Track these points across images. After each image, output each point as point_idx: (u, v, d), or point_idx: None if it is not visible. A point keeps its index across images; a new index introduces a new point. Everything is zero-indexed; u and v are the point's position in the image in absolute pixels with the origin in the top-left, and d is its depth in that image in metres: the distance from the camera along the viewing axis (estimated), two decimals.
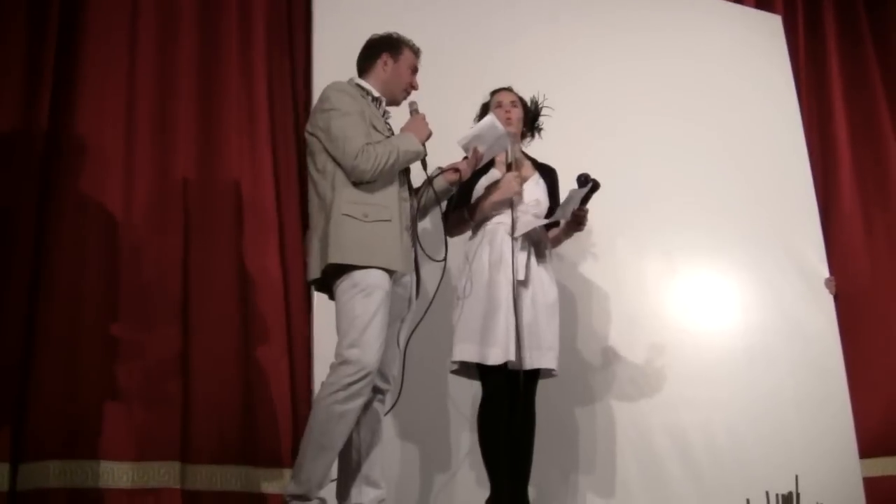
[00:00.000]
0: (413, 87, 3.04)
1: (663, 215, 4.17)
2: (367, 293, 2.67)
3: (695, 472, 3.82)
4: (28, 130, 3.28)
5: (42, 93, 3.34)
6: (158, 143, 3.55)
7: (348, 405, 2.61)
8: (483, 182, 3.21)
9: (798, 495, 2.78)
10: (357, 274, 2.68)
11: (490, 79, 3.46)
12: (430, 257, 2.93)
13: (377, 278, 2.69)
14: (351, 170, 2.75)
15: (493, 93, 3.38)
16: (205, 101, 3.69)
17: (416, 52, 3.05)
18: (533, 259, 3.14)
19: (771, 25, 4.86)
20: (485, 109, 3.35)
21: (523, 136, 3.38)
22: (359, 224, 2.72)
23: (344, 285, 2.70)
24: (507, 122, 3.21)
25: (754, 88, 4.60)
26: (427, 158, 2.93)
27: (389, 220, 2.77)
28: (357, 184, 2.76)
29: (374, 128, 2.86)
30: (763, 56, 4.72)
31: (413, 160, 2.88)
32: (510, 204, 3.14)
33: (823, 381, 4.19)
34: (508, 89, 3.37)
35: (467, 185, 3.19)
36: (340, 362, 2.63)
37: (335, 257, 2.69)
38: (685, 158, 4.31)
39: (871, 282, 4.45)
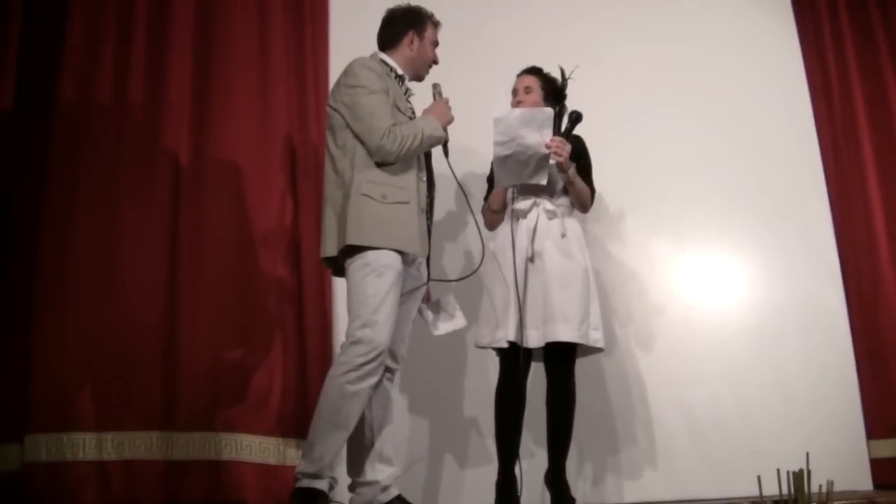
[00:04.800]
0: (435, 62, 3.06)
1: (672, 192, 4.17)
2: (379, 273, 2.67)
3: (705, 449, 3.83)
4: None
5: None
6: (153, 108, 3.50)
7: (360, 385, 2.61)
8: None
9: (809, 472, 2.77)
10: (370, 254, 2.68)
11: (494, 58, 3.62)
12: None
13: (389, 259, 2.69)
14: (376, 150, 2.74)
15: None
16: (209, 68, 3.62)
17: (436, 26, 3.06)
18: (545, 233, 3.12)
19: (778, 1, 4.81)
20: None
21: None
22: (377, 205, 2.72)
23: (356, 265, 2.70)
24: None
25: (763, 66, 4.57)
26: (448, 144, 2.95)
27: (407, 203, 2.77)
28: (378, 164, 2.76)
29: (398, 108, 2.85)
30: (771, 34, 4.69)
31: (435, 144, 2.91)
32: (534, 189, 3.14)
33: (832, 360, 4.18)
34: (523, 73, 3.32)
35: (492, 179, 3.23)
36: (353, 342, 2.63)
37: (354, 238, 2.68)
38: (694, 136, 4.29)
39: (881, 259, 4.39)
